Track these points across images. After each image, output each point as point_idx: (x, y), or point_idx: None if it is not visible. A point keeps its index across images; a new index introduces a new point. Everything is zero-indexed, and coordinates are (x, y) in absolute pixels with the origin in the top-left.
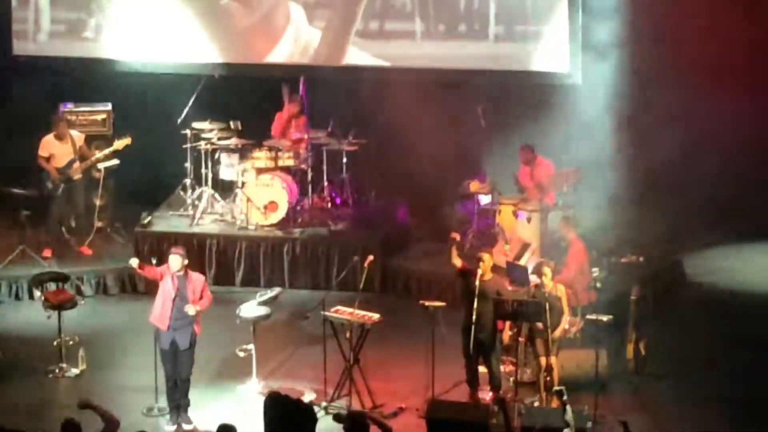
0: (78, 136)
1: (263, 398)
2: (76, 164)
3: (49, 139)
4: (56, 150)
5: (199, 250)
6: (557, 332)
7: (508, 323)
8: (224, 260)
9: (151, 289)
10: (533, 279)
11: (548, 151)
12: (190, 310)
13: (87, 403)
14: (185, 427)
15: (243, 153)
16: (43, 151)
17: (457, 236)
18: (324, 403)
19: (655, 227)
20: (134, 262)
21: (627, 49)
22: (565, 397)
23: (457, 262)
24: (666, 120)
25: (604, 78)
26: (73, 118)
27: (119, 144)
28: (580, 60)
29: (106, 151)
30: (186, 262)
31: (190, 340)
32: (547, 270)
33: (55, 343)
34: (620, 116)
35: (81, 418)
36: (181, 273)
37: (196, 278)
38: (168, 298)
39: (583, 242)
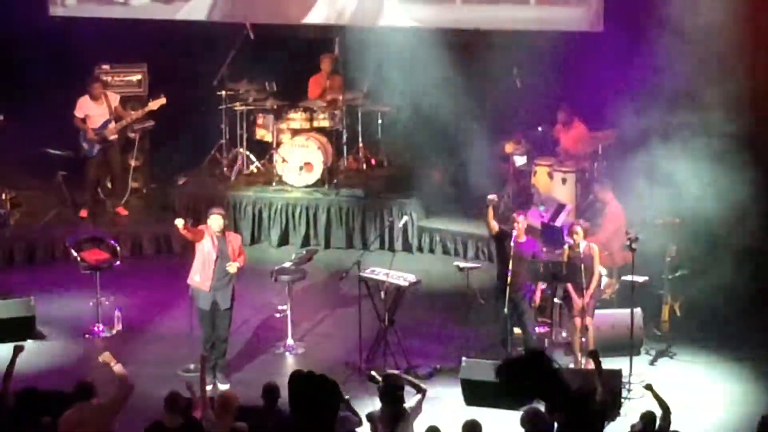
0: (113, 96)
1: (297, 359)
2: (112, 125)
3: (84, 99)
4: (92, 111)
5: (234, 211)
6: (590, 292)
7: (541, 285)
8: (259, 221)
9: (186, 249)
10: (568, 240)
11: (583, 113)
12: (232, 268)
13: (107, 361)
14: (221, 386)
15: (278, 114)
16: (78, 112)
17: (494, 198)
18: (359, 364)
19: (692, 188)
20: (179, 222)
21: (664, 10)
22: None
23: (494, 224)
24: (703, 80)
25: (641, 39)
26: (109, 78)
27: (153, 104)
28: (616, 21)
29: (141, 112)
30: (226, 222)
31: (230, 300)
32: (578, 229)
33: (91, 303)
34: (656, 78)
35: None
36: (220, 233)
37: (234, 238)
38: (209, 258)
39: (619, 203)
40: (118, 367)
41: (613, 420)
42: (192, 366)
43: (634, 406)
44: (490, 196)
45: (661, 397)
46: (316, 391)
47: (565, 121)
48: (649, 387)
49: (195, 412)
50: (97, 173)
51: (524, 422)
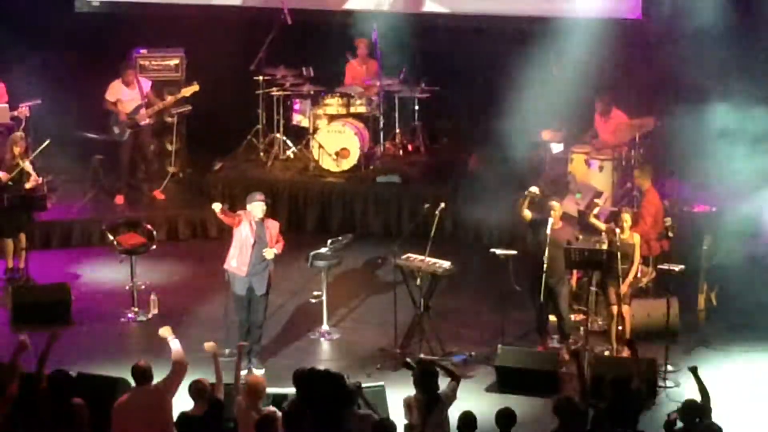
0: (146, 82)
1: (332, 344)
2: (143, 110)
3: (116, 84)
4: (124, 95)
5: (270, 197)
6: (628, 281)
7: (576, 272)
8: (296, 206)
9: (222, 234)
10: (611, 225)
11: (618, 100)
12: (269, 254)
13: (165, 336)
14: (256, 372)
15: (315, 99)
16: (110, 96)
17: (536, 191)
18: (394, 350)
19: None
20: (217, 206)
21: None
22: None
23: (527, 214)
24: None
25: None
26: (146, 63)
27: (186, 91)
28: (653, 7)
29: (173, 99)
30: (267, 208)
31: (266, 286)
32: (627, 217)
33: (127, 287)
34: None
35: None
36: (259, 219)
37: (272, 224)
38: (246, 244)
39: (656, 192)
40: (174, 344)
41: (648, 409)
42: (227, 351)
43: (669, 395)
44: (533, 188)
45: (703, 383)
46: (322, 388)
47: (603, 110)
48: (693, 370)
49: (218, 394)
50: (130, 158)
51: (557, 410)
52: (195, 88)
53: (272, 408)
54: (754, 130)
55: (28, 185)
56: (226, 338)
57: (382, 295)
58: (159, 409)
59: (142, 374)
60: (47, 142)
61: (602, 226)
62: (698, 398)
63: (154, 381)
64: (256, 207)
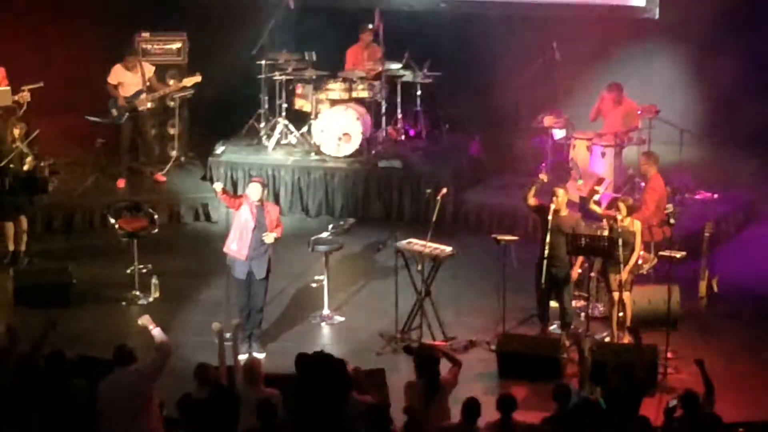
0: (148, 68)
1: (333, 329)
2: (144, 95)
3: (119, 67)
4: (125, 79)
5: (272, 181)
6: (628, 267)
7: (579, 258)
8: (297, 191)
9: (223, 218)
10: (610, 212)
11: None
12: (269, 238)
13: (145, 324)
14: (257, 356)
15: (317, 84)
16: (111, 79)
17: (545, 177)
18: (395, 335)
19: (731, 164)
20: (218, 186)
21: None
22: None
23: (532, 201)
24: (744, 54)
25: (682, 12)
26: (149, 46)
27: (188, 81)
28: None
29: (175, 87)
30: (265, 192)
31: (266, 270)
32: (621, 205)
33: (128, 270)
34: (696, 51)
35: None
36: (259, 203)
37: (272, 208)
38: (246, 227)
39: (661, 178)
40: (156, 331)
41: (649, 395)
42: (228, 335)
43: (670, 382)
44: (542, 175)
45: (708, 376)
46: (323, 373)
47: (616, 98)
48: (700, 363)
49: (222, 377)
50: (131, 142)
51: (556, 395)
52: (197, 78)
53: (274, 391)
54: None
55: (26, 167)
56: (226, 322)
57: (383, 280)
58: (137, 391)
59: (123, 356)
60: (37, 131)
61: (600, 212)
62: (701, 389)
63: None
64: (253, 189)
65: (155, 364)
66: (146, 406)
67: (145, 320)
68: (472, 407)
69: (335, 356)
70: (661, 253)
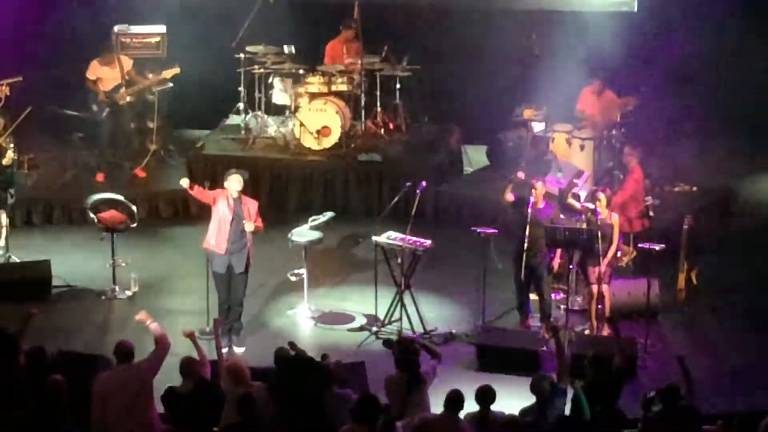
0: (127, 61)
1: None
2: (123, 90)
3: (95, 63)
4: (103, 74)
5: (251, 175)
6: (607, 260)
7: (559, 251)
8: (277, 185)
9: (203, 213)
10: (588, 205)
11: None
12: (249, 226)
13: (143, 320)
14: (237, 350)
15: (296, 78)
16: (90, 74)
17: (522, 176)
18: (375, 328)
19: (709, 157)
20: (185, 182)
21: None
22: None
23: (509, 197)
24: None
25: (659, 6)
26: (127, 40)
27: (167, 73)
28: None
29: (154, 79)
30: (243, 183)
31: (245, 264)
32: (602, 196)
33: (107, 265)
34: (675, 45)
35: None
36: (237, 196)
37: (250, 202)
38: (224, 221)
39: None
40: (154, 326)
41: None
42: (208, 329)
43: (648, 374)
44: (519, 173)
45: (689, 371)
46: (300, 370)
47: (599, 90)
48: (680, 359)
49: (204, 371)
50: (110, 136)
51: (534, 388)
52: (176, 70)
53: (258, 384)
54: None
55: (4, 161)
56: (207, 316)
57: (363, 273)
58: (140, 388)
59: (125, 353)
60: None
61: (578, 205)
62: (681, 385)
63: (136, 360)
64: (233, 181)
65: (156, 359)
66: (148, 400)
67: (142, 316)
68: (455, 399)
69: (315, 349)
70: (640, 245)
